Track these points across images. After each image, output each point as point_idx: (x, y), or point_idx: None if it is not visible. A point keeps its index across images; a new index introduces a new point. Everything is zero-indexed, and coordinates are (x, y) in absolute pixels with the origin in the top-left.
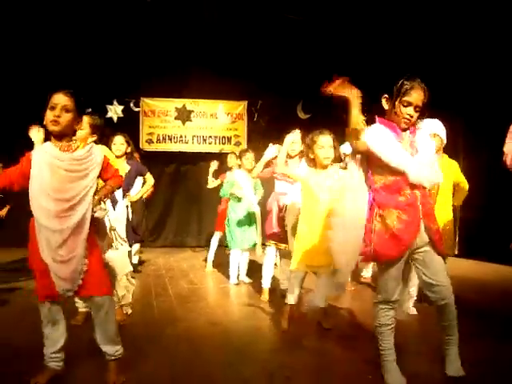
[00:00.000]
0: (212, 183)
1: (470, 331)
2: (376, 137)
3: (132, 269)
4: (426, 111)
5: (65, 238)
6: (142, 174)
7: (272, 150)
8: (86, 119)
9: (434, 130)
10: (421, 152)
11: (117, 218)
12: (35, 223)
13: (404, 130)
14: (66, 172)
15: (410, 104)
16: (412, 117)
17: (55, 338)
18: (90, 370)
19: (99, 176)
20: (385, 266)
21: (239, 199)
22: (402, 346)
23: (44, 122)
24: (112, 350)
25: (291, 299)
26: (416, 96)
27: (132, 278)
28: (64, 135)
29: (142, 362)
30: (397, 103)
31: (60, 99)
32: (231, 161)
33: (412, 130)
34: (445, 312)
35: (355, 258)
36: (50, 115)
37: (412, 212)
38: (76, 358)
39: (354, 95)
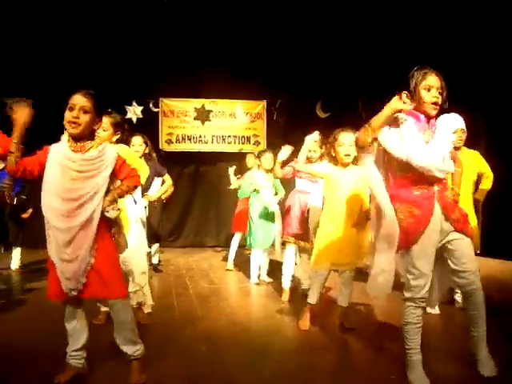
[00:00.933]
0: (235, 183)
1: (491, 330)
2: (387, 133)
3: (147, 270)
4: (444, 97)
5: (72, 236)
6: (161, 175)
7: (286, 150)
8: (107, 120)
9: (460, 125)
10: (435, 139)
11: (136, 218)
12: (45, 222)
13: (430, 119)
14: (77, 173)
15: (431, 87)
16: (438, 99)
17: (76, 335)
18: (111, 369)
19: (115, 176)
20: (413, 262)
21: (258, 194)
22: (427, 346)
23: (63, 123)
24: (131, 350)
25: (313, 299)
26: (433, 79)
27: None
28: (82, 137)
29: (162, 362)
30: (418, 91)
31: (78, 100)
32: (250, 161)
33: (433, 123)
34: (472, 300)
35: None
36: (68, 116)
37: (426, 207)
38: (98, 356)
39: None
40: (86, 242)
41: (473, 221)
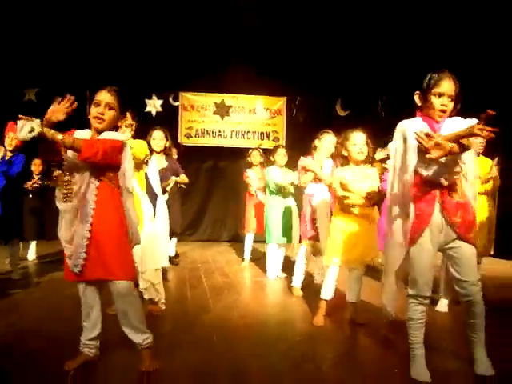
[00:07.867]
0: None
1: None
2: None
3: (163, 266)
4: (459, 102)
5: (73, 215)
6: (177, 174)
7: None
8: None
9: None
10: None
11: (150, 215)
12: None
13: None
14: None
15: (442, 94)
16: (446, 107)
17: (90, 324)
18: (123, 358)
19: None
20: (413, 260)
21: (277, 192)
22: (431, 343)
23: (88, 117)
24: (138, 339)
25: (326, 294)
26: (446, 86)
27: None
28: (105, 131)
29: (173, 351)
30: (429, 96)
31: (104, 96)
32: (256, 158)
33: (439, 127)
34: (471, 309)
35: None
36: (94, 111)
37: (426, 207)
38: (110, 345)
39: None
40: (81, 219)
41: (485, 222)
